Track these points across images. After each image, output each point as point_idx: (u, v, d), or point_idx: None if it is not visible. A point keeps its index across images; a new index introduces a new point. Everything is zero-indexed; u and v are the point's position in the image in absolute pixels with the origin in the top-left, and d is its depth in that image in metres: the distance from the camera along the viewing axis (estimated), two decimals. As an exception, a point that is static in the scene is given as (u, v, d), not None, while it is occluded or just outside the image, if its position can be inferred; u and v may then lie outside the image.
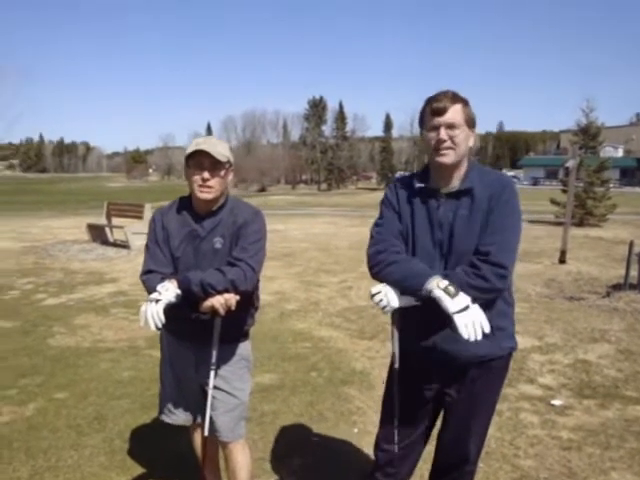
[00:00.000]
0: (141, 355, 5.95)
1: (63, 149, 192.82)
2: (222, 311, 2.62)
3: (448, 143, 2.32)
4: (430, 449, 2.81)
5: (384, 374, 2.86)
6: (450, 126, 2.31)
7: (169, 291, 2.57)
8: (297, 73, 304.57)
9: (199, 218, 2.79)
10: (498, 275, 2.25)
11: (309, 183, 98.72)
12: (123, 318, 7.45)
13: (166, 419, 3.10)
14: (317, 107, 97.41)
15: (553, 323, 7.14)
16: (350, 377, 5.37)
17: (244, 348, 2.98)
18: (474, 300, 2.21)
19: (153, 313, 2.52)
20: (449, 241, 2.37)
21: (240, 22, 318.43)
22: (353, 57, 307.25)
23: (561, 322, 7.18)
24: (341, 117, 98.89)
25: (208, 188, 2.69)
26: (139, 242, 12.77)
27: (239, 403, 2.95)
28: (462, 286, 2.22)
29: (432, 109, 2.34)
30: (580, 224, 19.63)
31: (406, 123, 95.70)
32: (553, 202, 20.59)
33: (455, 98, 2.35)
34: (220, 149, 2.71)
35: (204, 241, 2.77)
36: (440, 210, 2.40)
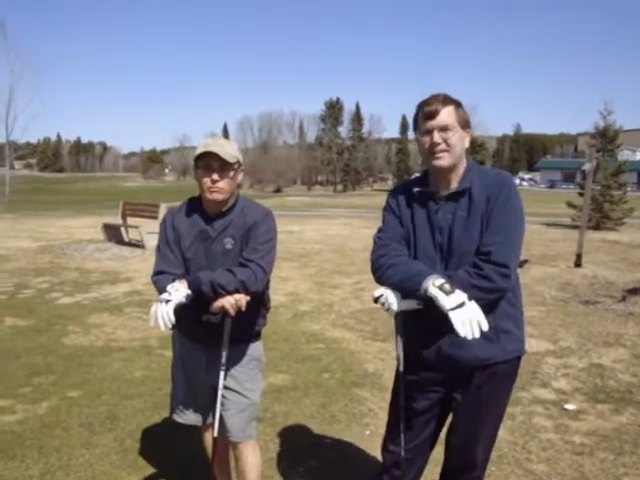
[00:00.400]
0: (154, 355, 5.97)
1: (80, 149, 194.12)
2: (232, 312, 2.62)
3: (442, 146, 2.31)
4: (442, 451, 2.80)
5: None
6: (443, 129, 2.31)
7: (179, 291, 2.58)
8: (314, 74, 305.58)
9: (209, 219, 2.79)
10: (501, 274, 2.23)
11: (325, 184, 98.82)
12: (137, 318, 7.49)
13: (177, 419, 3.11)
14: (334, 108, 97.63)
15: (568, 327, 7.08)
16: (362, 379, 5.35)
17: (255, 349, 2.98)
18: (477, 300, 2.19)
19: (163, 313, 2.52)
20: (448, 243, 2.36)
21: (257, 22, 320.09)
22: (370, 58, 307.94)
23: (576, 326, 7.12)
24: (357, 118, 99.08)
25: (218, 189, 2.69)
26: (154, 242, 12.66)
27: (250, 403, 2.94)
28: (465, 287, 2.20)
29: (424, 113, 2.35)
30: (597, 227, 19.44)
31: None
32: (570, 205, 20.42)
33: (446, 100, 2.35)
34: (229, 150, 2.71)
35: (215, 242, 2.77)
36: (439, 213, 2.39)
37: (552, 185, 75.45)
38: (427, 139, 2.34)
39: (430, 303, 2.19)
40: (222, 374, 2.76)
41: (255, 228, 2.75)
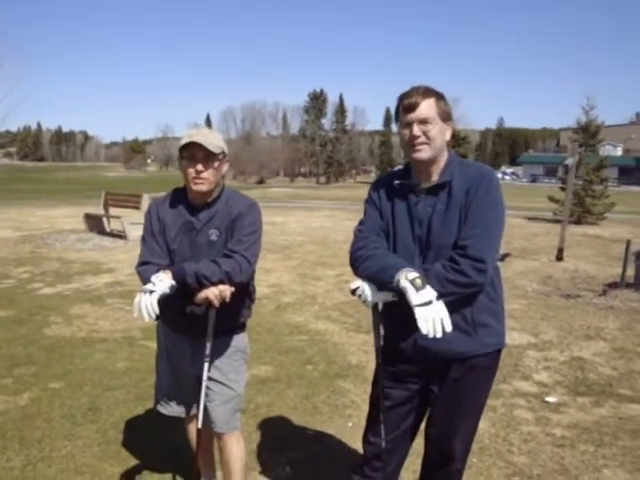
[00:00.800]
0: (136, 346, 5.94)
1: (61, 138, 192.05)
2: (216, 302, 2.61)
3: (422, 139, 2.31)
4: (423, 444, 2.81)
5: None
6: (423, 121, 2.30)
7: (163, 282, 2.56)
8: (298, 65, 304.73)
9: (194, 210, 2.78)
10: (477, 269, 2.22)
11: (308, 176, 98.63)
12: (119, 309, 7.44)
13: (162, 410, 3.11)
14: (317, 100, 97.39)
15: (549, 320, 7.15)
16: (345, 371, 5.37)
17: (240, 340, 2.98)
18: (452, 295, 2.20)
19: (147, 304, 2.50)
20: (427, 236, 2.36)
21: (241, 13, 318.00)
22: (354, 50, 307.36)
23: (557, 319, 7.19)
24: (341, 110, 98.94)
25: (202, 180, 2.68)
26: (136, 232, 12.69)
27: (235, 395, 2.94)
28: (440, 281, 2.20)
29: (404, 105, 2.33)
30: (578, 222, 19.62)
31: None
32: (551, 199, 20.55)
33: (427, 93, 2.33)
34: (213, 140, 2.69)
35: (200, 233, 2.76)
36: (419, 206, 2.39)
37: (534, 179, 75.97)
38: (407, 132, 2.33)
39: (404, 296, 2.18)
40: (206, 365, 2.75)
41: (240, 219, 2.73)
